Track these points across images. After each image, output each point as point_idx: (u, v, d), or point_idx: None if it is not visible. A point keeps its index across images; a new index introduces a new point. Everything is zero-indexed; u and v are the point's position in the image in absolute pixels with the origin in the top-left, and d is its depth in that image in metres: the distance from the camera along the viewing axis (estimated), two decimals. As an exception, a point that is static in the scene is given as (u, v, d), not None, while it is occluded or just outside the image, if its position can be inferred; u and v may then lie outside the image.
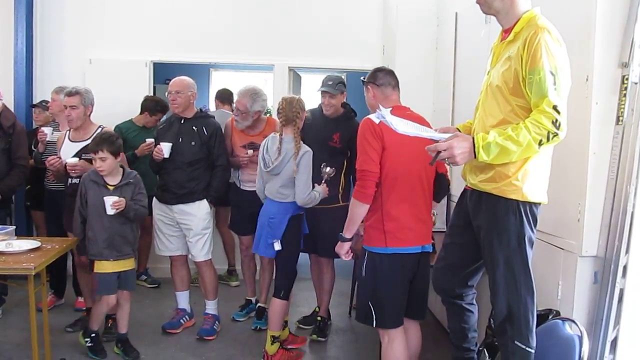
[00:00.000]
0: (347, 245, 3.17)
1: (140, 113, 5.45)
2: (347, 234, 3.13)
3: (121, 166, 3.94)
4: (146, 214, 4.02)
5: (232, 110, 5.83)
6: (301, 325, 4.61)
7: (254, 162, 4.32)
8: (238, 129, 4.56)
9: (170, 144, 4.21)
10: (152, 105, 5.39)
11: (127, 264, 3.93)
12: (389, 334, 3.09)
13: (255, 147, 4.43)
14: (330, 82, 4.22)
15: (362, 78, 3.31)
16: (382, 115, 2.55)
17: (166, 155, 4.20)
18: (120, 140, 3.91)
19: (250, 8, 5.94)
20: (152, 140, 5.04)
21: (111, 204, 3.72)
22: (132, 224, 3.94)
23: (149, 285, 5.61)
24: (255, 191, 4.09)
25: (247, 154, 4.48)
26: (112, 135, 3.91)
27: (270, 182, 3.87)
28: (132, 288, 4.02)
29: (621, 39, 2.68)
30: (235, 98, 4.58)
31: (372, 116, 2.95)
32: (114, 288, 3.88)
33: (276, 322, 3.88)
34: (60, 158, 4.11)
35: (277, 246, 3.79)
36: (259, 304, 4.71)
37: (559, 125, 2.30)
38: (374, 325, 3.08)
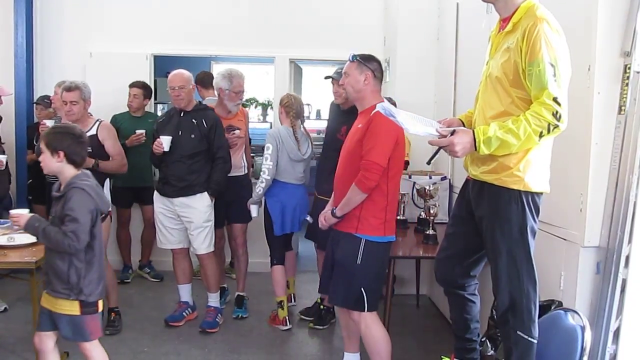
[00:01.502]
0: (335, 221, 3.26)
1: None
2: (339, 213, 3.21)
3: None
4: (72, 246, 2.76)
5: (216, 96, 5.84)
6: (303, 317, 4.62)
7: (234, 146, 4.56)
8: (219, 115, 4.53)
9: (170, 137, 4.20)
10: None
11: (57, 305, 2.86)
12: (367, 318, 3.22)
13: (233, 129, 4.59)
14: (339, 70, 4.11)
15: (356, 56, 3.24)
16: (392, 113, 2.52)
17: (166, 149, 4.19)
18: (74, 140, 2.90)
19: (250, 0, 5.92)
20: (142, 131, 5.10)
21: (9, 216, 2.91)
22: (69, 257, 2.82)
23: (152, 279, 5.61)
24: (233, 177, 4.50)
25: (234, 133, 4.55)
26: (59, 128, 3.09)
27: (294, 168, 4.35)
28: (72, 339, 2.95)
29: (623, 27, 2.66)
30: (227, 82, 4.51)
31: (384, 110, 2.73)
32: (41, 325, 2.95)
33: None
34: None
35: (311, 219, 4.28)
36: (237, 293, 4.79)
37: (560, 117, 2.30)
38: (366, 310, 3.19)
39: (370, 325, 3.23)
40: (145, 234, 5.59)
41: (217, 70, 9.13)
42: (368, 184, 3.06)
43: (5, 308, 4.67)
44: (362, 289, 3.16)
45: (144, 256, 5.70)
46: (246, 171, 4.86)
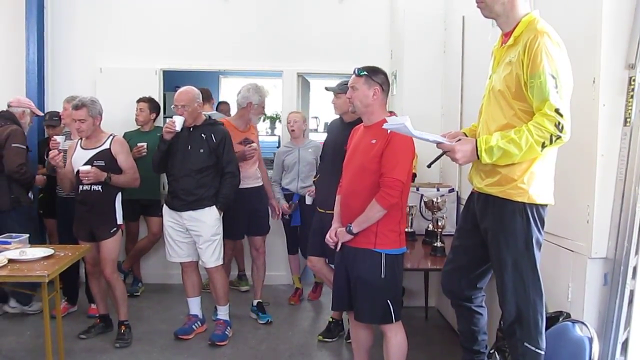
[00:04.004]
0: (350, 238, 3.21)
1: None
2: (356, 229, 3.16)
3: None
4: None
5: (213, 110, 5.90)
6: (326, 339, 4.51)
7: (251, 158, 4.75)
8: (237, 128, 4.77)
9: (183, 118, 4.19)
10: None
11: None
12: (395, 328, 3.28)
13: (248, 142, 4.74)
14: (339, 82, 4.21)
15: (362, 70, 3.22)
16: (396, 122, 2.56)
17: (178, 129, 4.17)
18: None
19: (258, 15, 5.97)
20: (143, 144, 5.17)
21: None
22: None
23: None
24: (252, 188, 4.77)
25: (250, 146, 4.71)
26: None
27: None
28: None
29: (628, 40, 2.69)
30: (258, 97, 4.76)
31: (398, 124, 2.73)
32: None
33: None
34: (60, 152, 4.21)
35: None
36: (258, 300, 4.94)
37: (562, 128, 2.32)
38: (394, 321, 3.23)
39: (398, 333, 3.30)
40: (143, 242, 5.52)
41: (225, 84, 9.24)
42: (391, 200, 3.06)
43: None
44: (389, 301, 3.19)
45: (127, 262, 5.53)
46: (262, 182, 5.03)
